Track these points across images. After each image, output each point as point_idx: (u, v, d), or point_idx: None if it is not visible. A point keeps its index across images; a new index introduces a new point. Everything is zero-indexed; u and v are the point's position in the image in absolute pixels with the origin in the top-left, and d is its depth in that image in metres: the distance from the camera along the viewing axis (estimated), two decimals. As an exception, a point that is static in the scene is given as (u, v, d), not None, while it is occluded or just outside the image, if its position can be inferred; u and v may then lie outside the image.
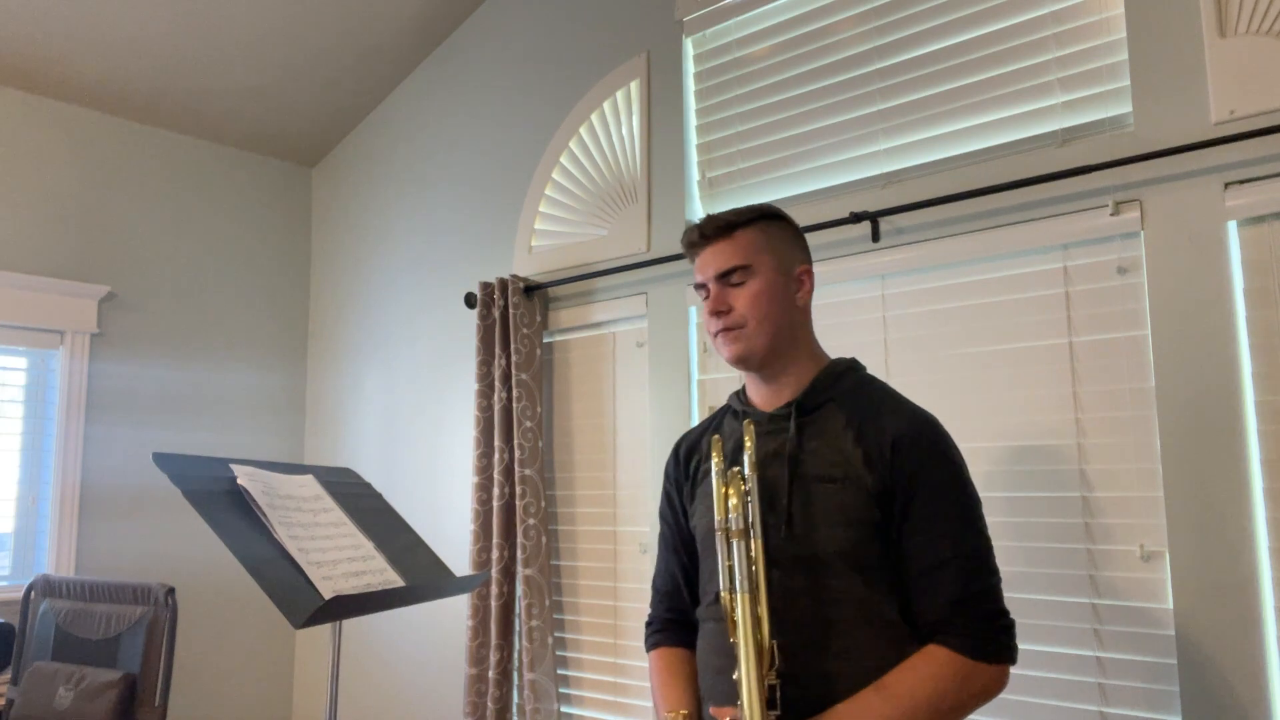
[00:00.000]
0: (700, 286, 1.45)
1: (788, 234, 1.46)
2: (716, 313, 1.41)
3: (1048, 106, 2.12)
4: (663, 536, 1.60)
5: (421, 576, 2.03)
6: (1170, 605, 1.86)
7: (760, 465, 1.38)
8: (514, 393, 2.94)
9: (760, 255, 1.41)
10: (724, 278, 1.41)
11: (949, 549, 1.28)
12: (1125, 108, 2.01)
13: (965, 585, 1.27)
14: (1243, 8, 1.87)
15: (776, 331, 1.40)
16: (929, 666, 1.25)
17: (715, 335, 1.43)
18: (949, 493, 1.31)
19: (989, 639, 1.26)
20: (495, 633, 2.88)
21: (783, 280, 1.42)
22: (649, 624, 1.59)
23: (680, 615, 1.56)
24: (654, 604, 1.59)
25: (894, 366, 2.30)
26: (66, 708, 2.48)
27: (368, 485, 2.30)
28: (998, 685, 1.27)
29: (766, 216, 1.45)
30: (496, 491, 2.93)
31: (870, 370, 2.27)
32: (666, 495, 1.59)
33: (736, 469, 1.31)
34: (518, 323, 2.97)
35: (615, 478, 2.88)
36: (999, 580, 1.31)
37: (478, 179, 3.41)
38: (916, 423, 1.34)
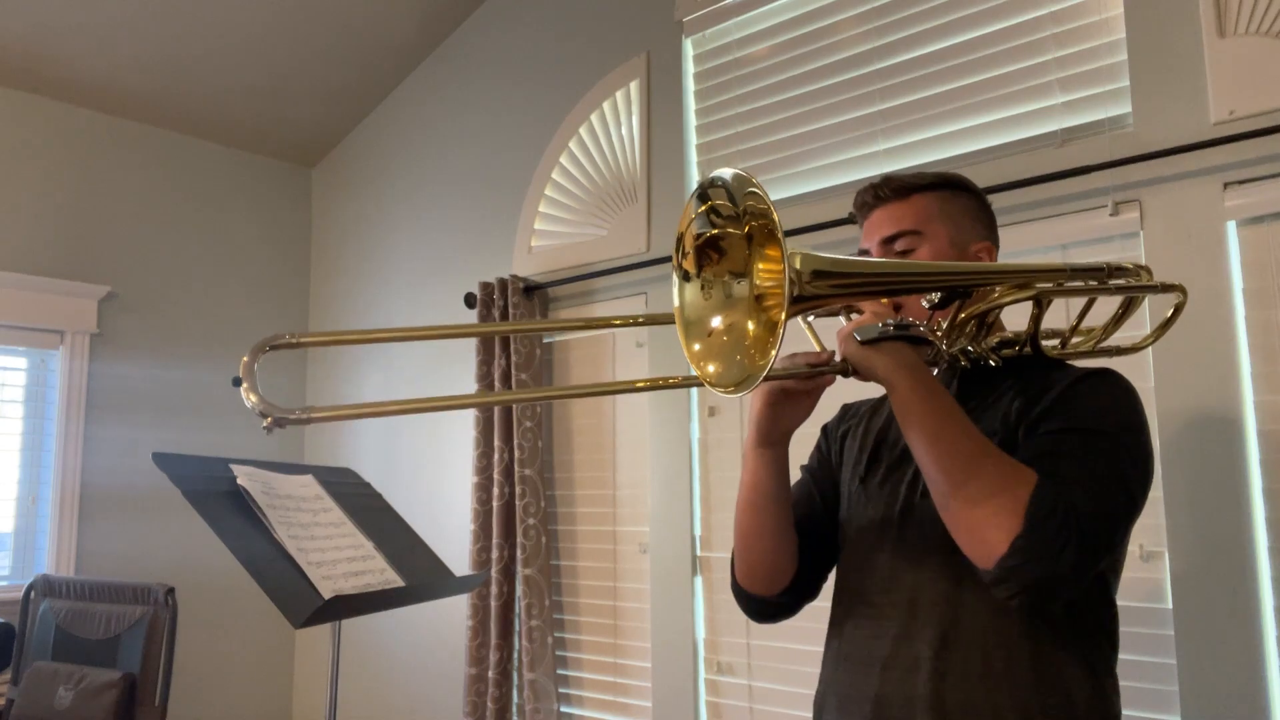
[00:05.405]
0: (864, 253, 1.28)
1: (970, 207, 1.30)
2: None
3: (1047, 107, 2.12)
4: (805, 467, 1.43)
5: (421, 576, 2.03)
6: (1169, 605, 1.86)
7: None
8: (514, 393, 2.94)
9: (933, 224, 1.25)
10: (889, 243, 1.26)
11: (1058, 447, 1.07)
12: (1125, 108, 2.01)
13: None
14: (1242, 8, 1.87)
15: None
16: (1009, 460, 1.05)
17: None
18: (1103, 430, 1.08)
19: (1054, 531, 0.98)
20: (495, 633, 2.88)
21: (955, 255, 1.26)
22: None
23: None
24: None
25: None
26: (66, 708, 2.48)
27: (368, 485, 2.30)
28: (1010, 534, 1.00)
29: (950, 185, 1.29)
30: (496, 491, 2.93)
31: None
32: (818, 447, 1.45)
33: None
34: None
35: (615, 478, 2.88)
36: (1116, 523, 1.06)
37: (477, 179, 3.41)
38: (1087, 372, 1.16)
